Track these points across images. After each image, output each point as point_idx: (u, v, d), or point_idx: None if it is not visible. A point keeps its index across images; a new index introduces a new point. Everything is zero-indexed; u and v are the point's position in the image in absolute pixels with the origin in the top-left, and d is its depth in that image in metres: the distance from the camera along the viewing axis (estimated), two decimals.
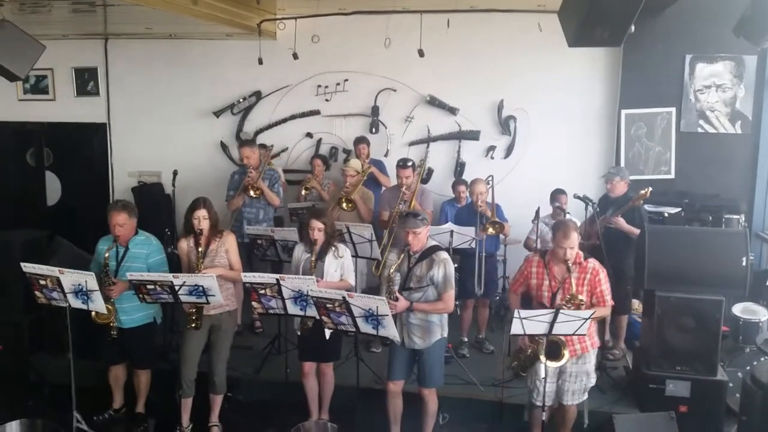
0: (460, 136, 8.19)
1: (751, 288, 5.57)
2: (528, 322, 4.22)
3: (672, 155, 7.63)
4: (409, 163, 6.43)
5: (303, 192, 7.24)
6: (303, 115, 8.54)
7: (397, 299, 4.59)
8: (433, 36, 7.33)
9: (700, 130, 7.56)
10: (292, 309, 4.82)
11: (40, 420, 5.14)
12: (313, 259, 5.00)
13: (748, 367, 5.46)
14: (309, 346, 5.12)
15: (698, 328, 5.28)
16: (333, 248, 5.11)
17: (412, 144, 8.32)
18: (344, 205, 6.52)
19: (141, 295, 4.86)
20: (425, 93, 8.19)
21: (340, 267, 5.13)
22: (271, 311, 4.90)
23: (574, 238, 4.50)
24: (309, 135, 8.56)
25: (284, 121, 8.60)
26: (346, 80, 8.35)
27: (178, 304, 4.95)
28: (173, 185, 7.17)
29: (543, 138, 8.00)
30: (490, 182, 6.53)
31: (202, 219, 5.04)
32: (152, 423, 5.56)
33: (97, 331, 5.23)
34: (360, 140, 7.67)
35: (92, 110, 9.14)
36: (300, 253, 5.20)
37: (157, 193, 8.74)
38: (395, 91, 8.26)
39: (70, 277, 4.74)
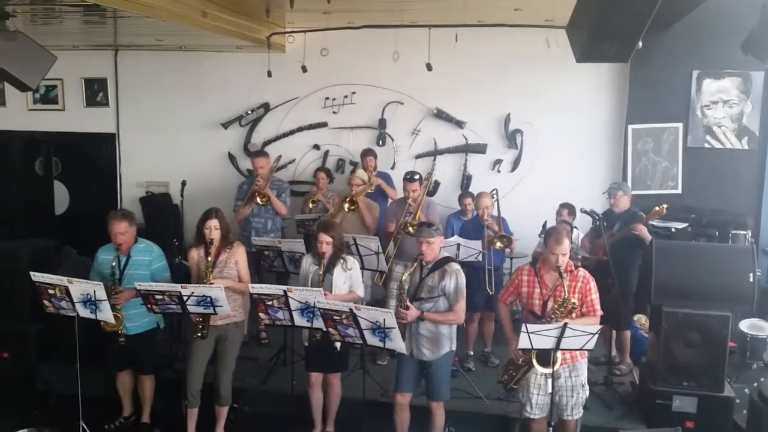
0: (467, 149, 8.22)
1: (759, 304, 5.54)
2: (535, 337, 4.22)
3: (679, 170, 7.64)
4: (416, 177, 6.44)
5: (310, 205, 7.26)
6: (310, 127, 8.58)
7: (407, 308, 4.60)
8: (441, 50, 7.37)
9: (707, 145, 7.57)
10: (299, 320, 4.83)
11: (47, 429, 5.16)
12: (322, 272, 5.02)
13: (755, 384, 5.44)
14: (317, 356, 5.13)
15: (705, 343, 5.27)
16: (341, 261, 5.13)
17: (418, 157, 8.35)
18: (347, 205, 6.54)
19: (149, 306, 4.88)
20: (432, 106, 8.23)
21: (348, 279, 5.15)
22: (278, 322, 4.91)
23: (567, 245, 4.50)
24: (316, 147, 8.60)
25: (292, 132, 8.64)
26: (354, 93, 8.39)
27: (186, 314, 4.97)
28: (181, 196, 7.21)
29: (550, 152, 8.02)
30: (495, 195, 6.53)
31: (213, 229, 5.07)
32: None
33: (104, 340, 5.26)
34: (367, 152, 7.69)
35: (101, 121, 9.21)
36: (308, 265, 5.22)
37: (165, 204, 8.77)
38: (402, 104, 8.30)
39: (78, 287, 4.78)
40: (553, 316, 4.43)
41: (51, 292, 4.88)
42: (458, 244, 6.13)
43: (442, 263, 4.78)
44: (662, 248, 5.64)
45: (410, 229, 6.06)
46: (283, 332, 6.17)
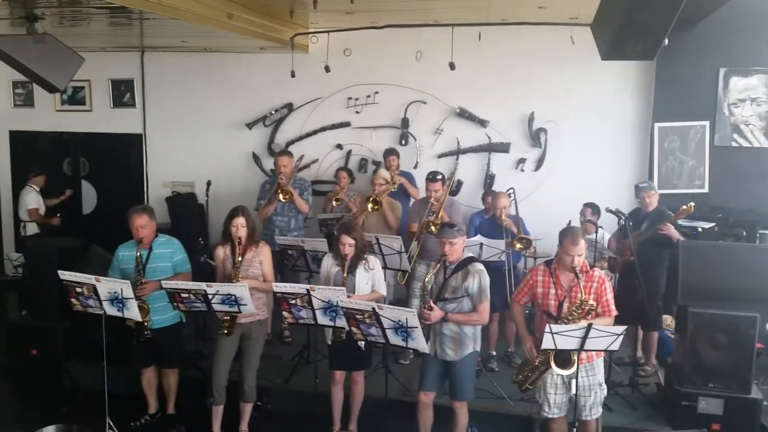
0: (490, 148, 8.20)
1: None
2: (559, 337, 4.20)
3: (706, 169, 7.55)
4: (439, 177, 6.43)
5: (334, 203, 7.29)
6: (333, 126, 8.62)
7: (431, 309, 4.60)
8: (464, 49, 7.34)
9: (734, 144, 7.48)
10: (322, 319, 4.86)
11: (74, 425, 5.24)
12: (345, 274, 5.04)
13: None
14: (340, 354, 5.16)
15: (732, 344, 5.21)
16: (363, 261, 5.15)
17: (441, 156, 8.34)
18: (370, 205, 6.55)
19: (175, 303, 4.94)
20: (455, 105, 8.22)
21: (371, 279, 5.17)
22: (302, 321, 4.95)
23: (582, 245, 4.47)
24: (339, 146, 8.64)
25: (315, 132, 8.69)
26: (377, 92, 8.42)
27: (211, 312, 5.02)
28: (206, 195, 7.31)
29: (574, 151, 7.97)
30: (512, 195, 6.50)
31: (240, 227, 5.12)
32: (183, 429, 5.62)
33: (129, 337, 5.33)
34: (390, 152, 7.70)
35: (128, 121, 9.35)
36: (329, 264, 5.24)
37: (190, 203, 8.87)
38: (425, 103, 8.30)
39: (106, 285, 4.84)
40: (570, 317, 4.39)
41: (79, 290, 4.94)
42: (481, 244, 6.11)
43: (465, 263, 4.77)
44: (689, 248, 5.59)
45: (433, 228, 6.05)
46: (306, 331, 6.22)
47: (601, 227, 6.22)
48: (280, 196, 6.74)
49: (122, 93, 9.32)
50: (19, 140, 9.87)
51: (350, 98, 8.50)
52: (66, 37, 5.86)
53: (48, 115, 9.61)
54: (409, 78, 8.23)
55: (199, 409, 5.54)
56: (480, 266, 4.78)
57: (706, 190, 7.54)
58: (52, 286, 5.99)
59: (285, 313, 4.93)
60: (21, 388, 6.43)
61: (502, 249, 6.15)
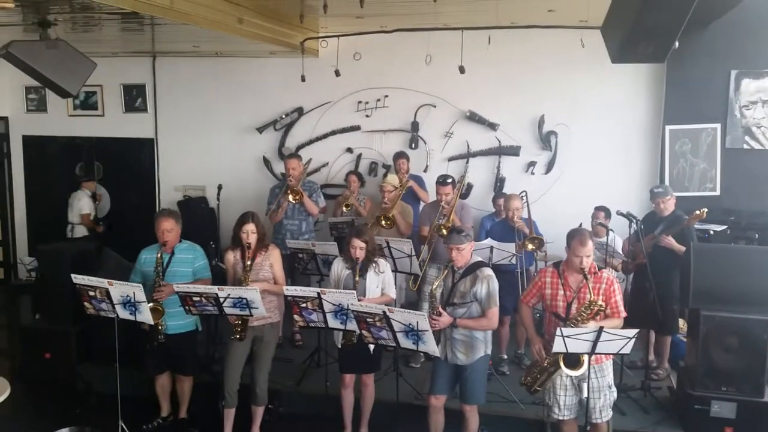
0: (500, 151, 8.20)
1: None
2: (571, 341, 4.19)
3: (717, 172, 7.51)
4: (449, 180, 6.43)
5: (344, 209, 7.30)
6: (343, 130, 8.65)
7: (440, 314, 4.60)
8: (474, 52, 7.35)
9: (746, 146, 7.44)
10: (333, 322, 4.86)
11: (87, 428, 5.27)
12: (356, 277, 5.05)
13: None
14: (350, 358, 5.16)
15: (744, 348, 5.18)
16: (374, 264, 5.16)
17: (451, 159, 8.35)
18: (383, 222, 6.57)
19: (187, 307, 4.96)
20: (465, 108, 8.22)
21: (381, 282, 5.18)
22: (312, 324, 4.95)
23: (590, 246, 4.47)
24: (349, 150, 8.66)
25: (325, 136, 8.73)
26: (387, 96, 8.44)
27: (222, 316, 5.04)
28: (218, 199, 7.33)
29: (585, 154, 7.96)
30: (525, 198, 6.50)
31: (250, 233, 5.14)
32: None
33: (143, 341, 5.34)
34: (399, 155, 7.71)
35: (140, 126, 9.41)
36: (340, 268, 5.26)
37: (201, 207, 8.92)
38: (435, 106, 8.31)
39: (118, 289, 4.88)
40: (579, 318, 4.39)
41: (91, 294, 4.97)
42: (491, 247, 6.11)
43: (473, 268, 4.76)
44: (701, 251, 5.56)
45: (444, 232, 6.05)
46: (317, 334, 6.23)
47: (611, 230, 6.21)
48: (290, 197, 6.77)
49: (134, 98, 9.39)
50: (32, 145, 9.96)
51: (360, 102, 8.53)
52: (78, 43, 5.90)
53: (60, 120, 9.69)
54: (419, 81, 8.25)
55: (211, 413, 5.57)
56: (488, 271, 4.76)
57: (717, 192, 7.50)
58: (65, 290, 6.02)
59: (296, 317, 4.94)
60: (34, 391, 6.47)
61: (512, 252, 6.15)
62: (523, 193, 6.57)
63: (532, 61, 7.93)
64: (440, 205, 6.40)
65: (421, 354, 5.74)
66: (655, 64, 6.76)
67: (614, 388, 4.65)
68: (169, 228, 5.22)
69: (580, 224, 6.17)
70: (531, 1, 6.60)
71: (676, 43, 3.87)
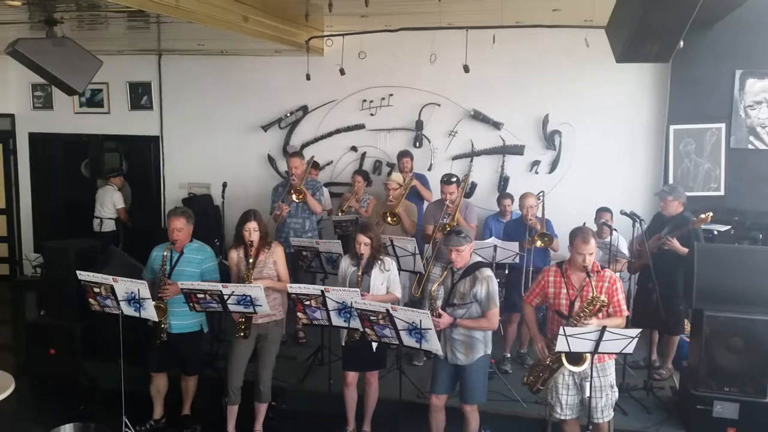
0: (504, 150, 8.20)
1: None
2: (573, 340, 4.20)
3: (721, 172, 7.50)
4: (453, 179, 6.45)
5: (339, 214, 7.29)
6: (348, 129, 8.67)
7: (440, 316, 4.61)
8: (478, 51, 7.36)
9: (750, 146, 7.43)
10: (337, 320, 4.88)
11: (92, 424, 5.29)
12: (360, 273, 5.06)
13: None
14: (354, 356, 5.18)
15: (748, 348, 5.17)
16: (379, 262, 5.17)
17: (455, 158, 8.36)
18: (389, 219, 6.59)
19: (191, 304, 4.98)
20: (469, 107, 8.23)
21: (386, 280, 5.19)
22: (316, 322, 4.97)
23: (593, 244, 4.48)
24: (354, 149, 8.68)
25: (330, 135, 8.75)
26: (391, 95, 8.45)
27: (226, 313, 5.06)
28: (222, 197, 7.35)
29: (589, 153, 7.96)
30: (542, 197, 6.52)
31: (252, 231, 5.16)
32: (198, 429, 5.67)
33: (145, 339, 5.35)
34: (403, 154, 7.73)
35: (146, 123, 9.44)
36: (346, 265, 5.28)
37: (206, 205, 8.93)
38: (439, 105, 8.32)
39: (123, 285, 4.89)
40: (581, 315, 4.40)
41: (96, 290, 5.00)
42: (495, 246, 6.12)
43: (473, 269, 4.75)
44: (704, 251, 5.56)
45: (456, 225, 6.06)
46: (321, 332, 6.25)
47: (615, 230, 6.21)
48: (294, 197, 6.79)
49: (140, 95, 9.42)
50: (38, 142, 10.00)
51: (365, 101, 8.54)
52: (84, 41, 5.93)
53: (67, 118, 9.73)
54: (424, 80, 8.26)
55: (215, 409, 5.58)
56: (488, 272, 4.76)
57: (722, 192, 7.49)
58: (71, 287, 6.05)
59: (299, 314, 4.96)
60: (39, 387, 6.51)
61: (515, 251, 6.16)
62: (541, 193, 6.58)
63: (536, 61, 7.94)
64: (445, 204, 6.41)
65: (423, 353, 5.74)
66: (660, 63, 6.74)
67: (616, 388, 4.65)
68: (179, 227, 5.23)
69: (584, 223, 6.20)
70: (536, 1, 6.61)
71: (681, 43, 3.88)
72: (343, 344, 5.19)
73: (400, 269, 5.98)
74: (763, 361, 5.14)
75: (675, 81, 7.53)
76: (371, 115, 8.57)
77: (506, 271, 6.50)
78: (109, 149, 10.12)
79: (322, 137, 8.77)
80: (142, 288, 4.86)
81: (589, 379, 4.42)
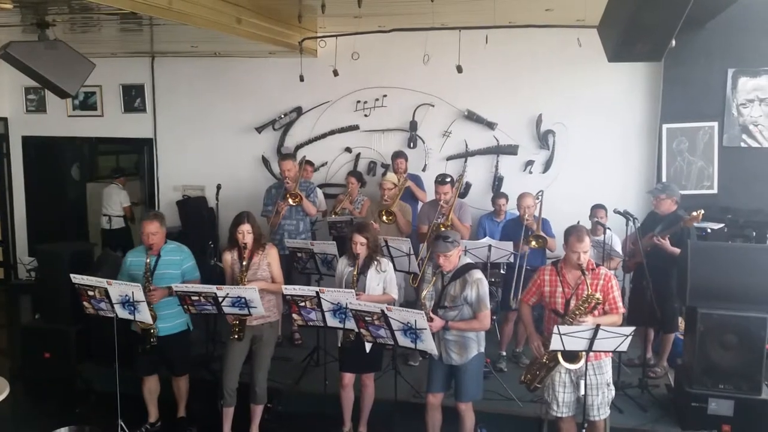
0: (498, 150, 8.21)
1: None
2: (568, 338, 4.21)
3: (714, 170, 7.53)
4: (447, 179, 6.46)
5: (333, 216, 7.29)
6: (342, 130, 8.66)
7: (431, 319, 4.61)
8: (471, 52, 7.37)
9: (743, 144, 7.45)
10: (332, 321, 4.88)
11: (87, 427, 5.29)
12: (356, 273, 5.07)
13: None
14: (351, 357, 5.17)
15: (742, 345, 5.19)
16: (375, 262, 5.17)
17: (449, 158, 8.36)
18: (384, 218, 6.60)
19: (186, 306, 4.97)
20: (463, 108, 8.24)
21: (382, 281, 5.19)
22: (311, 323, 4.97)
23: (587, 242, 4.50)
24: (348, 150, 8.67)
25: (324, 136, 8.74)
26: (385, 96, 8.45)
27: (221, 315, 5.06)
28: (217, 199, 7.35)
29: (582, 152, 7.97)
30: (540, 197, 6.53)
31: (246, 233, 5.16)
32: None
33: (136, 343, 5.31)
34: (398, 155, 7.73)
35: (139, 126, 9.42)
36: (343, 266, 5.28)
37: (201, 207, 8.93)
38: (433, 106, 8.32)
39: (117, 288, 4.89)
40: (577, 313, 4.41)
41: (90, 293, 4.98)
42: (489, 246, 6.13)
43: (462, 272, 4.76)
44: (698, 249, 5.58)
45: (443, 230, 6.07)
46: (317, 333, 6.25)
47: (609, 228, 6.23)
48: (290, 200, 6.78)
49: (133, 98, 9.40)
50: (32, 145, 9.97)
51: (359, 102, 8.54)
52: (77, 44, 5.91)
53: (60, 121, 9.70)
54: (417, 81, 8.26)
55: (210, 411, 5.58)
56: (478, 275, 4.75)
57: (715, 191, 7.52)
58: (65, 290, 6.05)
59: (294, 316, 4.96)
60: (34, 390, 6.49)
61: (510, 251, 6.17)
62: (540, 193, 6.60)
63: (529, 61, 7.95)
64: (439, 204, 6.42)
65: (419, 353, 5.75)
66: (652, 62, 6.77)
67: (613, 387, 4.67)
68: (153, 231, 5.20)
69: (578, 222, 6.22)
70: (528, 1, 6.62)
71: (673, 42, 3.89)
72: (340, 345, 5.19)
73: (395, 270, 5.98)
74: (757, 357, 5.16)
75: (667, 80, 7.56)
76: (365, 116, 8.57)
77: (502, 271, 6.51)
78: (103, 152, 10.12)
79: (317, 138, 8.76)
80: (136, 291, 4.86)
81: (585, 377, 4.44)
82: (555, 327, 4.23)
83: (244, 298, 4.81)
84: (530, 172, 8.14)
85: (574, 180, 7.96)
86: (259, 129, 8.90)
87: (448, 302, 4.74)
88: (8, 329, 8.61)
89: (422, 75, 8.17)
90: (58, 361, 6.53)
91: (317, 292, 4.78)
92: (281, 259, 5.57)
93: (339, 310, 4.80)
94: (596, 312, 4.44)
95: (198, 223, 8.55)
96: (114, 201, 9.25)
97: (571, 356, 4.38)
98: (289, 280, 6.33)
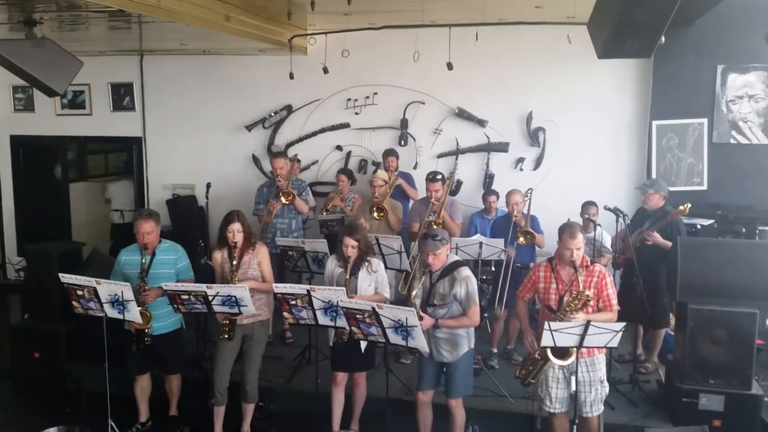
0: (489, 148, 8.21)
1: None
2: (558, 335, 4.22)
3: (704, 166, 7.56)
4: (438, 177, 6.46)
5: (324, 214, 7.27)
6: (333, 128, 8.64)
7: (421, 318, 4.60)
8: (461, 49, 7.36)
9: (732, 141, 7.49)
10: (323, 319, 4.88)
11: (77, 427, 5.26)
12: (348, 276, 5.05)
13: None
14: (342, 356, 5.17)
15: (732, 341, 5.22)
16: (366, 263, 5.16)
17: (440, 156, 8.35)
18: (376, 214, 6.58)
19: (176, 305, 4.95)
20: (454, 105, 8.23)
21: (374, 281, 5.18)
22: (302, 321, 4.96)
23: (581, 239, 4.52)
24: (339, 148, 8.65)
25: (314, 134, 8.71)
26: (376, 93, 8.43)
27: (211, 314, 5.03)
28: (206, 198, 7.32)
29: (573, 149, 7.98)
30: (529, 195, 6.54)
31: (236, 232, 5.14)
32: (186, 430, 5.64)
33: (129, 342, 5.28)
34: (389, 153, 7.72)
35: (128, 124, 9.36)
36: (333, 266, 5.26)
37: (190, 206, 8.89)
38: (424, 103, 8.32)
39: (106, 288, 4.86)
40: (567, 309, 4.43)
41: (79, 293, 4.95)
42: (480, 243, 6.14)
43: (450, 269, 4.76)
44: (688, 245, 5.60)
45: (435, 228, 6.06)
46: (308, 332, 6.24)
47: (599, 225, 6.24)
48: (283, 199, 6.76)
49: (122, 96, 9.34)
50: (20, 144, 9.90)
51: (349, 99, 8.52)
52: (65, 42, 5.87)
53: (48, 120, 9.62)
54: (408, 79, 8.25)
55: (201, 410, 5.56)
56: (466, 272, 4.76)
57: (705, 187, 7.55)
58: (54, 290, 6.00)
59: (286, 314, 4.94)
60: (24, 390, 6.46)
61: (501, 248, 6.18)
62: (529, 190, 6.60)
63: (519, 58, 7.95)
64: (430, 202, 6.42)
65: (410, 351, 5.75)
66: (642, 59, 6.80)
67: (606, 383, 4.68)
68: (149, 230, 5.18)
69: (568, 219, 6.23)
70: None
71: (663, 39, 3.89)
72: (332, 344, 5.18)
73: (386, 268, 5.97)
74: (747, 353, 5.19)
75: (657, 77, 7.58)
76: (356, 113, 8.55)
77: (493, 268, 6.52)
78: (92, 151, 10.08)
79: (307, 137, 8.73)
80: (125, 290, 4.83)
81: (576, 374, 4.45)
82: (546, 323, 4.24)
83: (235, 296, 4.79)
84: (521, 170, 8.14)
85: (565, 177, 7.97)
86: (249, 127, 8.87)
87: (437, 300, 4.75)
88: None
89: (413, 72, 8.15)
90: (47, 361, 6.49)
91: (308, 291, 4.77)
92: (272, 257, 5.54)
93: (330, 308, 4.79)
94: (588, 309, 4.45)
95: (188, 222, 8.52)
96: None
97: (562, 352, 4.39)
98: (281, 278, 6.33)
